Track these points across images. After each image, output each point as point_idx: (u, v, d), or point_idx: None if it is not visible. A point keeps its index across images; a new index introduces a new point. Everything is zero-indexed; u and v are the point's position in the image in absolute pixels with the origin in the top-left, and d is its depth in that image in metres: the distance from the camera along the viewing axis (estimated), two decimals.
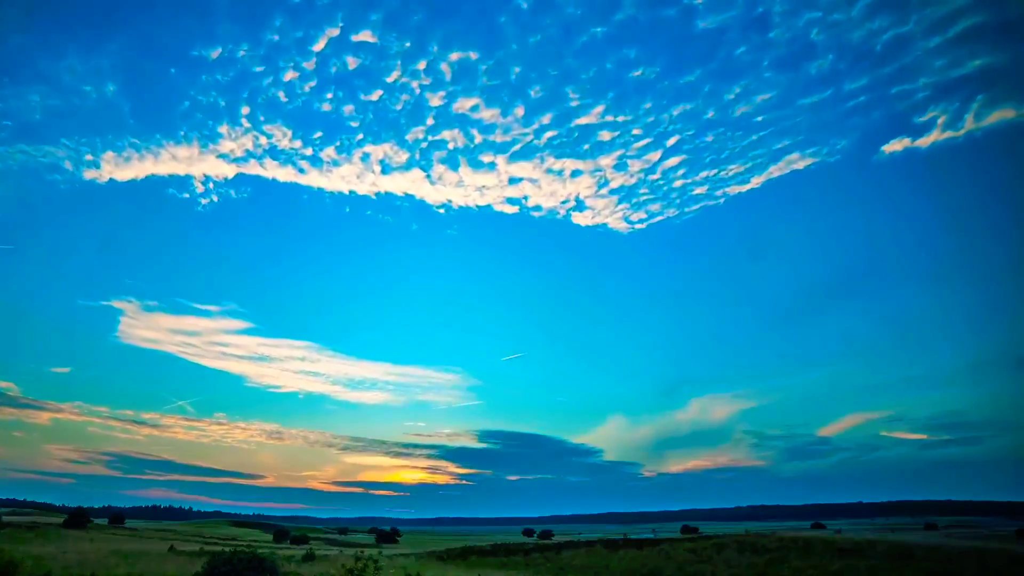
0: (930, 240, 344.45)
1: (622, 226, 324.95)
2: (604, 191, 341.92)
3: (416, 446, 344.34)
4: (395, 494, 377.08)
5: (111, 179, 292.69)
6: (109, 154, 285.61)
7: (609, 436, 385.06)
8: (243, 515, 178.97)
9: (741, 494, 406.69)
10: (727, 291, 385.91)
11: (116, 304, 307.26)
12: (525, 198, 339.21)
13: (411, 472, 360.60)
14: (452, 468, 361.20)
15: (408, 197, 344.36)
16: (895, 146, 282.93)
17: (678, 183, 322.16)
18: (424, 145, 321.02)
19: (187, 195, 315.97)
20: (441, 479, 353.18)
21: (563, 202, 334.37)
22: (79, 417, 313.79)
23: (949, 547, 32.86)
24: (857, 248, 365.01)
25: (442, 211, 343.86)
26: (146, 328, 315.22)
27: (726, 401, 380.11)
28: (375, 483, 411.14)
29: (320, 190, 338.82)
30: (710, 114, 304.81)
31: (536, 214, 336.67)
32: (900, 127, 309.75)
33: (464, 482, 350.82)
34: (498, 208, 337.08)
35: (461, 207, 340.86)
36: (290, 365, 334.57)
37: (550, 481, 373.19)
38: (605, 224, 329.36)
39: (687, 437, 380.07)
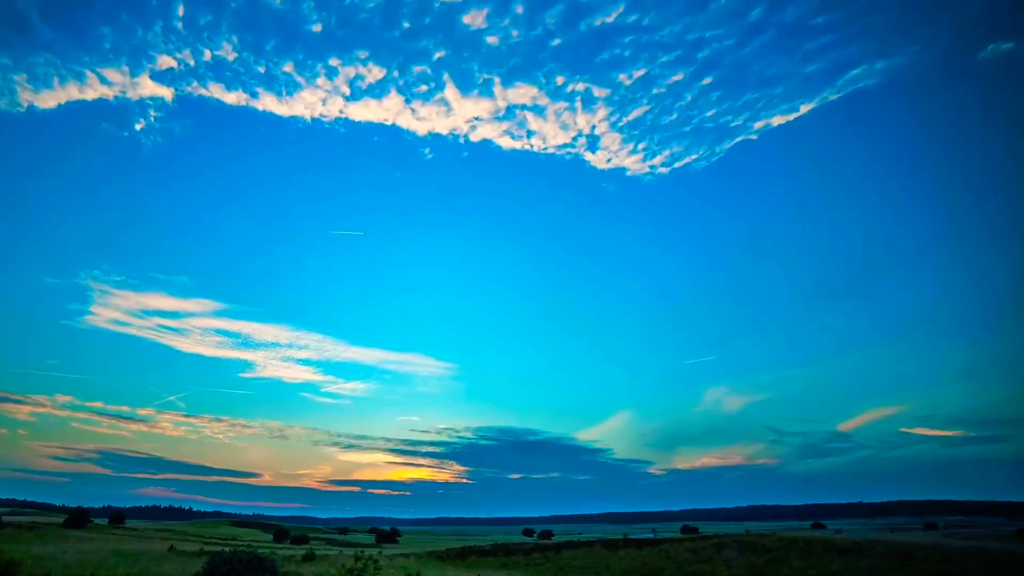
0: (988, 197, 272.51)
1: (641, 169, 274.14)
2: (623, 122, 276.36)
3: (415, 442, 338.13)
4: (394, 493, 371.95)
5: (31, 106, 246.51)
6: (22, 76, 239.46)
7: (616, 432, 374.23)
8: (243, 515, 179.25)
9: (753, 492, 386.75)
10: (751, 264, 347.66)
11: (85, 282, 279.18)
12: (529, 134, 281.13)
13: (409, 471, 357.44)
14: (452, 467, 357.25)
15: (385, 128, 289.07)
16: (993, 53, 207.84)
17: (711, 112, 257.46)
18: (402, 58, 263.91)
19: (127, 133, 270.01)
20: (440, 477, 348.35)
21: (575, 138, 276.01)
22: (63, 412, 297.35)
23: (949, 547, 32.85)
24: (904, 206, 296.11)
25: (429, 153, 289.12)
26: (116, 310, 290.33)
27: (743, 392, 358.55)
28: (372, 481, 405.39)
29: (276, 116, 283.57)
30: (756, 14, 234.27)
31: (542, 150, 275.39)
32: (1006, 27, 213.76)
33: (464, 480, 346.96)
34: (497, 142, 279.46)
35: (450, 142, 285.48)
36: (276, 352, 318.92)
37: (554, 480, 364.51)
38: (623, 169, 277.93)
39: (700, 433, 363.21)
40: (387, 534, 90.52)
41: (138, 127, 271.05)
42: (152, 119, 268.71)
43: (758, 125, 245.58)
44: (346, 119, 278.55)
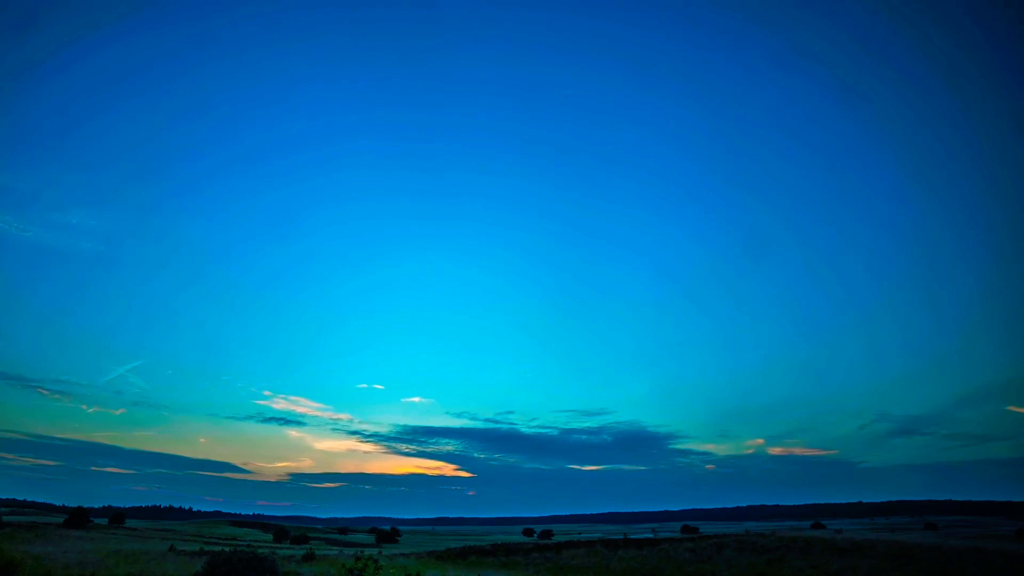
0: None
1: None
2: None
3: (413, 429, 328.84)
4: (392, 489, 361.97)
5: None
6: None
7: (638, 412, 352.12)
8: (243, 515, 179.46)
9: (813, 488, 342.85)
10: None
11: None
12: None
13: (407, 466, 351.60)
14: (451, 465, 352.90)
15: None
16: None
17: None
18: None
19: None
20: (435, 468, 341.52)
21: None
22: None
23: (949, 547, 32.86)
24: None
25: None
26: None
27: (783, 357, 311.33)
28: (367, 475, 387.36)
29: None
30: None
31: None
32: None
33: (463, 474, 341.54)
34: None
35: None
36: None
37: (564, 474, 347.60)
38: None
39: (750, 412, 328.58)
40: (387, 534, 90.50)
41: None
42: None
43: None
44: None
